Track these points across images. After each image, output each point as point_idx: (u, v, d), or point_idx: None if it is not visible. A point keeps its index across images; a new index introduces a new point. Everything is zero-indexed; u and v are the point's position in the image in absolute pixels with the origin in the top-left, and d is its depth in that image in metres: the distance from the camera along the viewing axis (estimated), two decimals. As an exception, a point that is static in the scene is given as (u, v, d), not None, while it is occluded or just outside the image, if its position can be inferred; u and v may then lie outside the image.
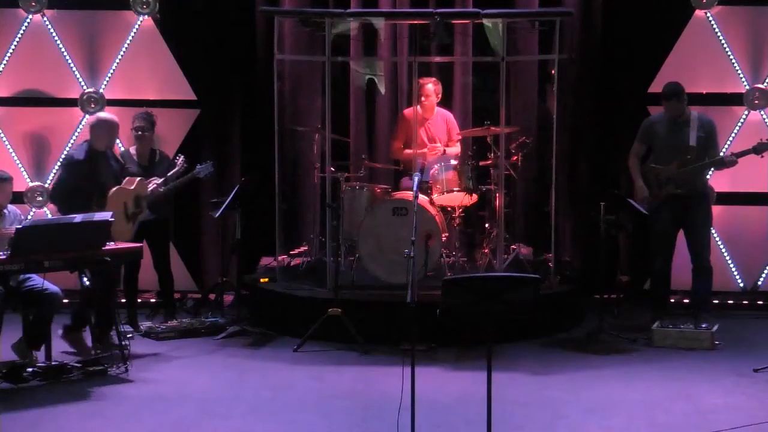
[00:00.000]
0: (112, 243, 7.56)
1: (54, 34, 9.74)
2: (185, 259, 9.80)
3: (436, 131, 9.41)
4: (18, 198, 8.98)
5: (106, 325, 7.81)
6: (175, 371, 7.66)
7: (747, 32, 9.50)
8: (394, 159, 9.58)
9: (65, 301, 7.90)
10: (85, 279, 7.73)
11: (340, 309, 8.11)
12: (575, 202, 9.79)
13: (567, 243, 9.86)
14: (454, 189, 8.82)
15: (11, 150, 9.79)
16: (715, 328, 8.29)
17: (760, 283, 9.61)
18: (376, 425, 6.40)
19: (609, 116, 9.72)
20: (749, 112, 9.50)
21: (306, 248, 9.60)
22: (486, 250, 8.97)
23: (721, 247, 9.54)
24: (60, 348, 7.81)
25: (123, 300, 8.75)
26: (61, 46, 9.75)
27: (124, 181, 8.24)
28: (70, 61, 9.76)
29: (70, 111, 9.78)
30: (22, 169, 9.77)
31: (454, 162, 8.90)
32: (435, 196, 8.82)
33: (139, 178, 8.33)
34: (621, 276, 9.60)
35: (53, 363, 7.44)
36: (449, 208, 8.99)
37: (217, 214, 8.82)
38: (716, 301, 9.14)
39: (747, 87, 9.48)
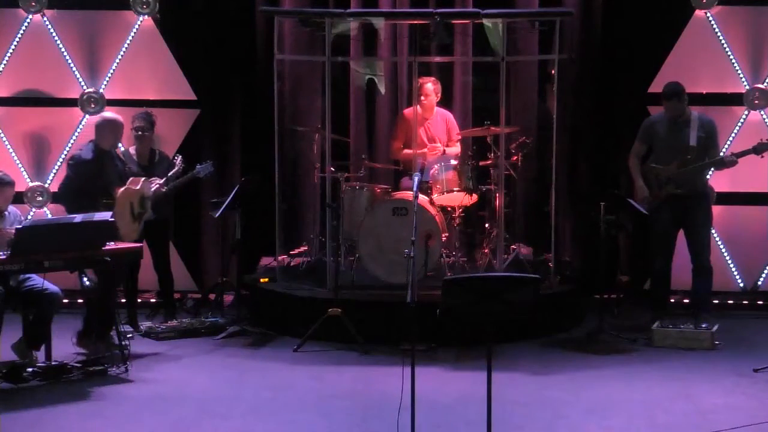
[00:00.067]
0: (113, 243, 7.56)
1: (54, 34, 9.74)
2: (185, 259, 9.80)
3: (436, 131, 9.41)
4: (18, 198, 8.96)
5: (106, 325, 7.81)
6: (175, 371, 7.66)
7: (747, 32, 9.50)
8: (394, 159, 9.58)
9: (65, 301, 7.91)
10: (85, 279, 7.73)
11: (340, 309, 8.11)
12: (575, 202, 9.79)
13: (567, 243, 9.86)
14: (454, 189, 8.82)
15: (11, 150, 9.79)
16: (715, 328, 8.29)
17: (760, 283, 9.60)
18: (376, 425, 6.40)
19: (609, 116, 9.72)
20: (749, 112, 9.50)
21: (306, 248, 9.60)
22: (486, 250, 8.97)
23: (721, 247, 9.54)
24: (61, 348, 7.78)
25: (123, 300, 8.75)
26: (61, 46, 9.74)
27: (129, 181, 8.26)
28: (70, 61, 9.76)
29: (70, 111, 9.78)
30: (22, 169, 9.77)
31: (454, 162, 8.90)
32: (435, 196, 8.82)
33: (143, 179, 8.34)
34: (621, 276, 9.60)
35: (53, 363, 7.44)
36: (449, 208, 8.99)
37: (217, 214, 8.82)
38: (716, 301, 9.14)
39: (747, 87, 9.48)
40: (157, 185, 8.45)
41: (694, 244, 8.58)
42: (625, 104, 9.64)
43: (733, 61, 9.48)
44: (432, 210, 8.61)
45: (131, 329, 8.53)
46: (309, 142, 9.50)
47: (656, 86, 9.22)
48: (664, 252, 8.62)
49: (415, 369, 5.62)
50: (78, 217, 7.36)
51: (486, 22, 8.70)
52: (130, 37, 9.74)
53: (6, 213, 7.73)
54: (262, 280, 9.11)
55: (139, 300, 9.10)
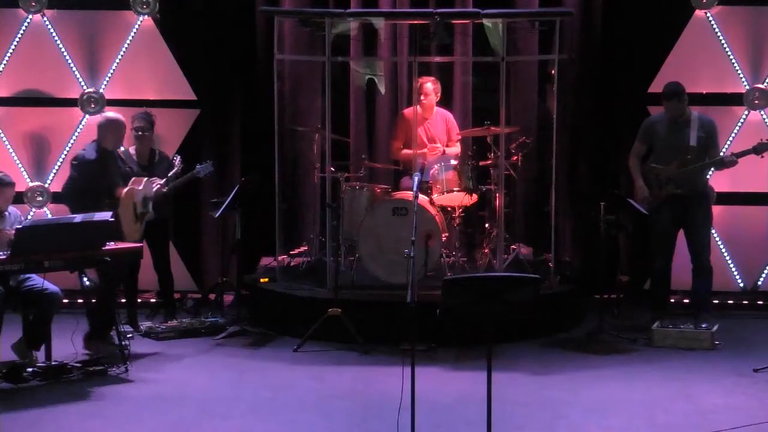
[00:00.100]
0: (113, 243, 7.56)
1: (54, 34, 9.74)
2: (185, 259, 9.80)
3: (436, 131, 9.41)
4: (18, 198, 8.96)
5: (106, 325, 7.81)
6: (175, 371, 7.66)
7: (747, 32, 9.50)
8: (394, 159, 9.58)
9: (65, 301, 7.90)
10: (85, 279, 7.73)
11: (340, 309, 8.10)
12: (575, 202, 9.79)
13: (567, 243, 9.86)
14: (454, 189, 8.81)
15: (11, 150, 9.79)
16: (715, 328, 8.29)
17: (760, 283, 9.60)
18: (376, 425, 6.39)
19: (609, 116, 9.71)
20: (749, 112, 9.50)
21: (306, 248, 9.60)
22: (486, 250, 8.97)
23: (721, 247, 9.54)
24: (61, 348, 7.78)
25: (123, 300, 8.74)
26: (61, 46, 9.74)
27: (131, 182, 8.27)
28: (70, 61, 9.76)
29: (70, 111, 9.78)
30: (22, 169, 9.77)
31: (454, 162, 8.90)
32: (435, 196, 8.82)
33: (145, 179, 8.35)
34: (621, 276, 9.60)
35: (53, 363, 7.44)
36: (449, 208, 8.99)
37: (217, 214, 8.82)
38: (716, 301, 9.14)
39: (747, 87, 9.48)
40: (158, 185, 8.46)
41: (694, 244, 8.58)
42: (625, 104, 9.64)
43: (733, 61, 9.48)
44: (432, 210, 8.61)
45: (131, 329, 8.53)
46: (309, 142, 9.50)
47: (656, 86, 9.22)
48: (664, 252, 8.62)
49: (415, 369, 5.61)
50: (78, 217, 7.37)
51: (486, 22, 8.70)
52: (130, 37, 9.74)
53: (6, 213, 7.73)
54: (262, 280, 9.11)
55: (139, 300, 9.10)
